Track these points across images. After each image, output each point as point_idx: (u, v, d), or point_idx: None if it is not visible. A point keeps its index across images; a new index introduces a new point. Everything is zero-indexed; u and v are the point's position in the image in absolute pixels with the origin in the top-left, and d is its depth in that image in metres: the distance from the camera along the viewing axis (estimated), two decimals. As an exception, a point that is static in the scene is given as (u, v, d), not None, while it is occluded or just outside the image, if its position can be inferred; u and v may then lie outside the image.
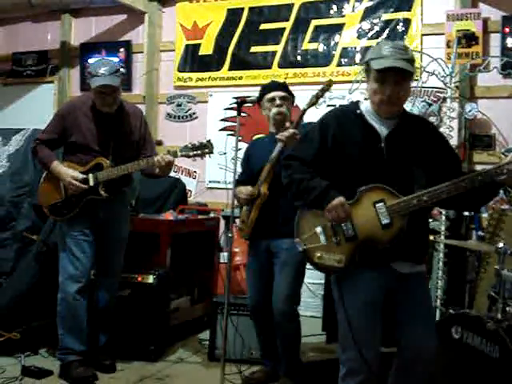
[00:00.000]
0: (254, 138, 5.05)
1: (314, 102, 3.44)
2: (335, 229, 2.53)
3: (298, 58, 6.05)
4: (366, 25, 5.79)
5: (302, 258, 3.47)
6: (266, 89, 3.62)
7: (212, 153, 3.56)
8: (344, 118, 2.61)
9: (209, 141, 3.54)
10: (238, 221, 3.72)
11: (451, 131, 4.84)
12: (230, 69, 6.32)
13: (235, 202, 3.51)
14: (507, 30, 5.19)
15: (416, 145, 2.53)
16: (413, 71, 2.50)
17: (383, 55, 2.46)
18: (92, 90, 3.67)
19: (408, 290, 2.58)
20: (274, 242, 3.54)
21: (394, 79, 2.46)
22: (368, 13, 5.78)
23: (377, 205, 2.44)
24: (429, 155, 2.52)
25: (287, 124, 3.39)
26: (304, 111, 3.48)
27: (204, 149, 3.52)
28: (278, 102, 3.54)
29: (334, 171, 2.56)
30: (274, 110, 3.55)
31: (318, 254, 2.57)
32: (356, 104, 2.65)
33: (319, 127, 2.63)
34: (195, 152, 3.52)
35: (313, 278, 5.28)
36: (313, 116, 5.25)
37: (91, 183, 3.67)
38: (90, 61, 6.72)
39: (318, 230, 2.58)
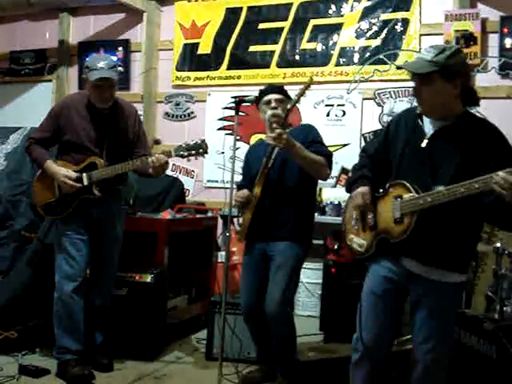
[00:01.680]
0: (252, 142, 5.04)
1: (296, 101, 3.42)
2: (363, 215, 2.71)
3: (297, 57, 6.06)
4: (364, 25, 5.80)
5: (298, 261, 3.52)
6: (263, 92, 3.63)
7: (207, 153, 3.54)
8: (405, 117, 2.72)
9: (203, 140, 3.51)
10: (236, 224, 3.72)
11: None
12: (229, 68, 6.32)
13: (233, 202, 3.51)
14: (506, 30, 5.20)
15: (460, 147, 2.46)
16: (420, 72, 2.47)
17: (415, 58, 2.58)
18: (89, 83, 3.65)
19: (420, 299, 2.57)
20: (269, 245, 3.54)
21: (418, 80, 2.51)
22: (366, 13, 5.78)
23: (395, 200, 2.55)
24: (475, 160, 2.41)
25: (273, 125, 3.38)
26: (288, 110, 3.46)
27: (198, 149, 3.49)
28: (273, 104, 3.54)
29: (389, 165, 2.70)
30: (269, 112, 3.55)
31: (350, 236, 2.78)
32: None
33: (387, 124, 2.83)
34: (190, 152, 3.50)
35: (310, 278, 5.29)
36: (311, 116, 5.27)
37: (85, 182, 3.65)
38: (87, 59, 6.75)
39: (354, 214, 2.77)
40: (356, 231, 2.75)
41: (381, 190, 2.70)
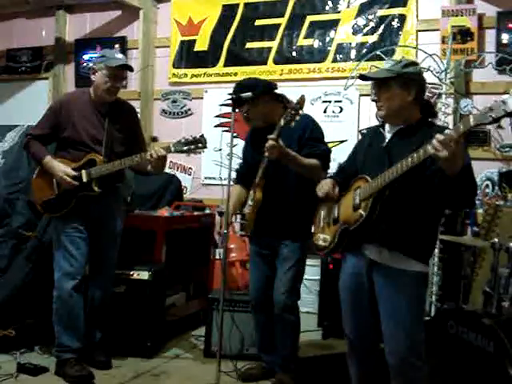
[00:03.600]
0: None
1: (288, 121, 3.32)
2: (329, 213, 2.93)
3: (294, 53, 6.05)
4: (361, 21, 5.79)
5: (303, 254, 3.59)
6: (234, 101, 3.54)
7: (206, 147, 3.54)
8: (369, 130, 3.05)
9: (202, 135, 3.51)
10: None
11: (446, 127, 4.84)
12: (226, 65, 6.31)
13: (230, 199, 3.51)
14: (502, 25, 5.20)
15: (413, 143, 2.59)
16: (378, 77, 2.75)
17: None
18: (107, 70, 3.69)
19: (382, 289, 2.68)
20: (275, 239, 3.60)
21: (377, 87, 2.78)
22: (363, 9, 5.77)
23: (354, 191, 2.75)
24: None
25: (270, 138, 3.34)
26: (281, 129, 3.28)
27: (197, 143, 3.49)
28: (244, 114, 3.55)
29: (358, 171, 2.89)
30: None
31: (317, 235, 2.98)
32: None
33: (357, 141, 3.16)
34: (189, 147, 3.50)
35: (309, 275, 5.27)
36: (308, 112, 5.25)
37: (84, 179, 3.66)
38: (84, 56, 6.74)
39: (321, 214, 3.00)
40: (321, 229, 2.96)
41: None
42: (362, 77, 2.85)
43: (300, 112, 3.24)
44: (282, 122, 3.28)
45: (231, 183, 3.50)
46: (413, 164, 2.41)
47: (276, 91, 3.64)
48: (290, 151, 3.34)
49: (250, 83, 3.61)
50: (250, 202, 3.58)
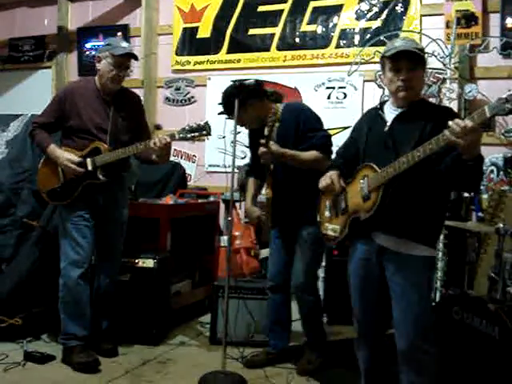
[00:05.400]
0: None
1: (270, 131, 3.38)
2: (335, 203, 2.89)
3: (297, 40, 6.01)
4: (364, 6, 5.75)
5: (320, 238, 3.59)
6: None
7: (210, 134, 3.56)
8: (366, 114, 2.96)
9: (206, 122, 3.53)
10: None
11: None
12: (229, 52, 6.28)
13: (235, 186, 3.53)
14: (507, 9, 5.15)
15: (418, 127, 2.61)
16: (418, 51, 2.62)
17: (396, 46, 2.65)
18: (111, 59, 3.69)
19: (393, 274, 2.68)
20: (293, 226, 3.66)
21: (408, 65, 2.63)
22: (366, -6, 5.73)
23: (361, 180, 2.71)
24: (432, 136, 2.47)
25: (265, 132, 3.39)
26: (268, 136, 3.38)
27: (202, 131, 3.50)
28: (237, 120, 3.56)
29: (358, 157, 2.85)
30: None
31: (325, 225, 2.96)
32: (384, 102, 2.89)
33: (353, 126, 3.02)
34: (193, 134, 3.50)
35: (313, 261, 5.30)
36: (312, 99, 5.24)
37: (89, 167, 3.67)
38: (87, 45, 6.72)
39: (327, 204, 2.96)
40: (329, 219, 2.93)
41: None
42: (403, 53, 2.61)
43: (276, 123, 3.39)
44: (266, 131, 3.35)
45: (235, 171, 3.51)
46: (431, 151, 2.38)
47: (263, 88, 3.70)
48: (286, 151, 3.40)
49: (237, 84, 3.67)
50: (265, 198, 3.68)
